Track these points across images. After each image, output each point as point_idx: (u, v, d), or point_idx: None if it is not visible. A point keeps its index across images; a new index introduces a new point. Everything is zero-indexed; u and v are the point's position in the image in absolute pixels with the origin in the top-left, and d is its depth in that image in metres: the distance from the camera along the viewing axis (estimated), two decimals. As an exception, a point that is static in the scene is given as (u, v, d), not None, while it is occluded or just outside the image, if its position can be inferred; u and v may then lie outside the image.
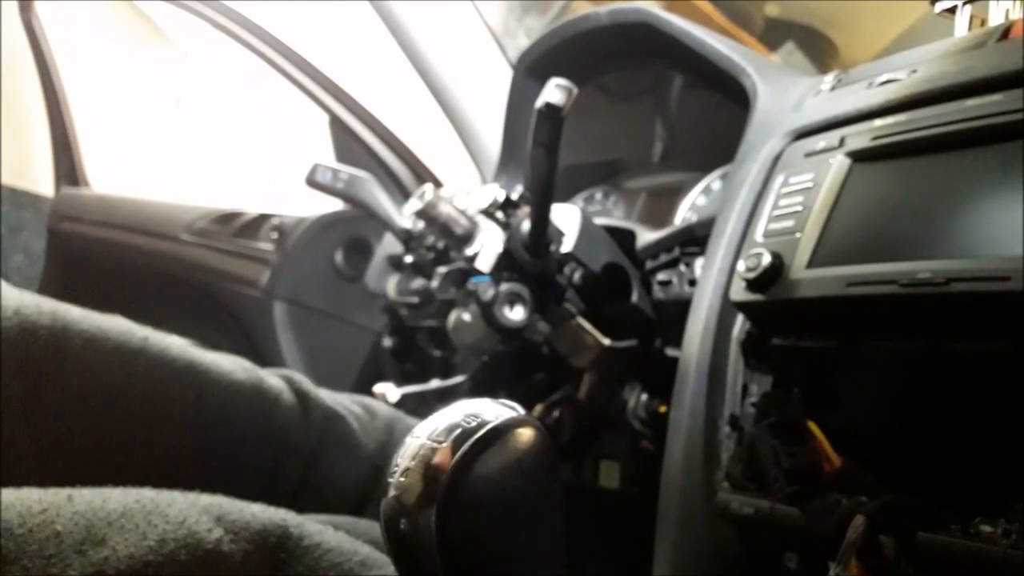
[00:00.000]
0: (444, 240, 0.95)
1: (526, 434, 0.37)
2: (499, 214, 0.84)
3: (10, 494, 0.45)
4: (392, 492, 0.36)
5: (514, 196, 0.85)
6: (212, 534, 0.47)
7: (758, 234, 0.62)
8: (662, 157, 1.21)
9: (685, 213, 1.07)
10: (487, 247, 0.86)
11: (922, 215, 0.52)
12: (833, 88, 0.72)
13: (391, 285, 1.11)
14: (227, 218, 1.66)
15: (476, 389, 1.00)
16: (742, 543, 0.57)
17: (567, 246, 0.84)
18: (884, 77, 0.65)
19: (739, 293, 0.59)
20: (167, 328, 0.76)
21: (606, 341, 0.86)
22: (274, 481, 0.76)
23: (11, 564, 0.41)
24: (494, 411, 0.37)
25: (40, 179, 2.09)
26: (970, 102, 0.55)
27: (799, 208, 0.59)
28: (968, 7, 0.71)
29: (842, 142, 0.61)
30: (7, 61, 1.98)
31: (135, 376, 0.69)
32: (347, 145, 1.61)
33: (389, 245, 1.31)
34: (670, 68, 1.08)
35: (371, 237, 1.50)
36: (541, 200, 0.79)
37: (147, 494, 0.49)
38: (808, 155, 0.64)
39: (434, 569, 0.35)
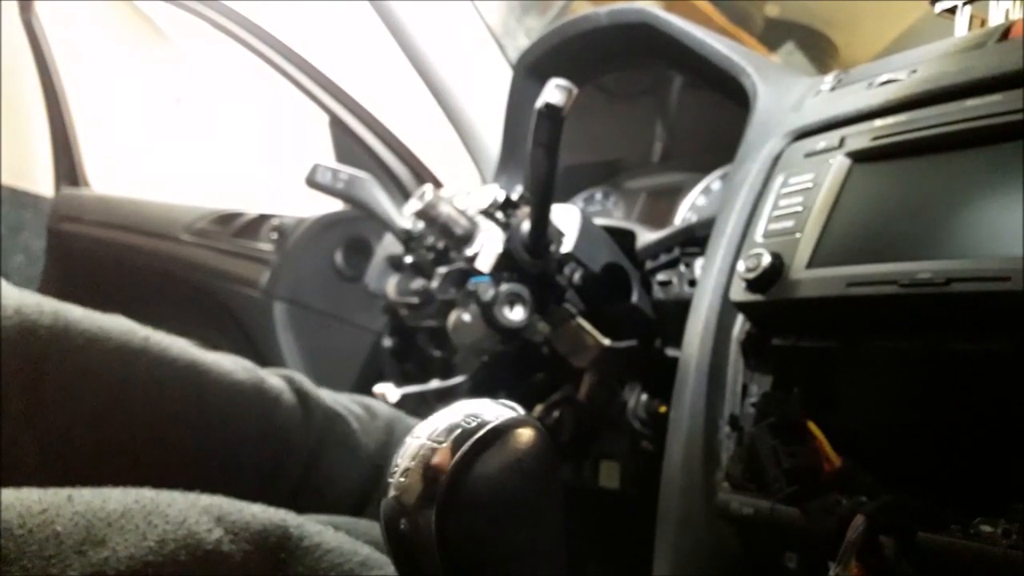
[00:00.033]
0: (444, 240, 0.95)
1: (526, 434, 0.37)
2: (499, 214, 0.84)
3: (10, 494, 0.45)
4: (392, 492, 0.36)
5: (514, 196, 0.85)
6: (212, 534, 0.47)
7: (758, 234, 0.62)
8: (662, 157, 1.21)
9: (685, 213, 1.07)
10: (487, 247, 0.86)
11: (922, 215, 0.52)
12: (833, 88, 0.72)
13: (391, 285, 1.11)
14: (227, 218, 1.66)
15: (476, 389, 1.00)
16: (742, 543, 0.57)
17: (567, 246, 0.84)
18: (884, 77, 0.65)
19: (739, 293, 0.59)
20: (167, 328, 0.76)
21: (606, 341, 0.86)
22: (274, 481, 0.77)
23: (11, 564, 0.41)
24: (494, 411, 0.37)
25: (40, 179, 2.09)
26: (970, 102, 0.55)
27: (799, 208, 0.59)
28: (968, 7, 0.71)
29: (842, 142, 0.61)
30: (7, 61, 1.98)
31: (136, 376, 0.69)
32: (347, 145, 1.61)
33: (389, 245, 1.31)
34: (670, 68, 1.08)
35: (371, 237, 1.50)
36: (541, 200, 0.79)
37: (147, 494, 0.49)
38: (808, 155, 0.64)
39: (434, 569, 0.35)
